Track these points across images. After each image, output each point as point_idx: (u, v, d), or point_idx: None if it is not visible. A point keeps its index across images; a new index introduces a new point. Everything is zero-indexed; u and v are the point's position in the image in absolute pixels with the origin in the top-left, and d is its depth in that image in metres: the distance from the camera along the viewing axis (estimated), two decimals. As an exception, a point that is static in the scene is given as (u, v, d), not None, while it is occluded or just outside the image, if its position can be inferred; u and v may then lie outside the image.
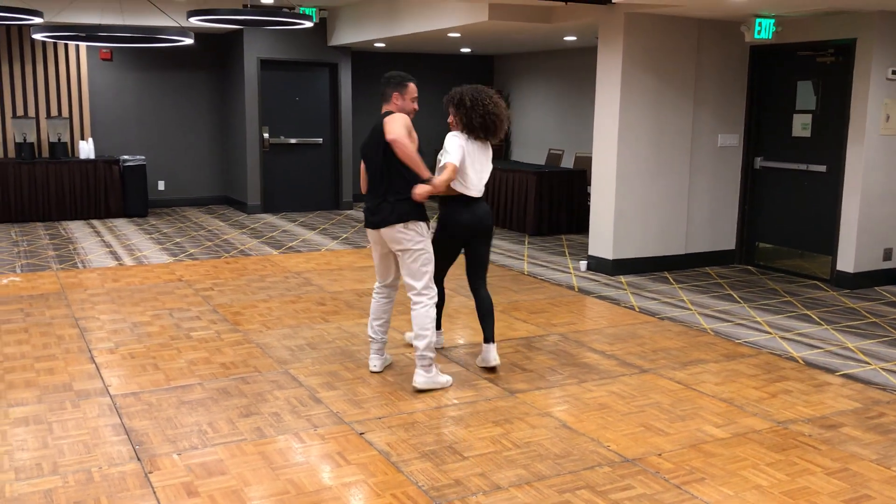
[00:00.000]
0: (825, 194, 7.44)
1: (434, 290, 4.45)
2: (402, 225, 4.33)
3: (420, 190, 4.29)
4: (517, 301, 6.55)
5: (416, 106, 4.55)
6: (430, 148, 13.00)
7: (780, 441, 3.85)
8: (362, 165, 4.59)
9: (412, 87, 4.51)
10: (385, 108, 4.50)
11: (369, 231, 4.50)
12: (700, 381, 4.68)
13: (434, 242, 4.58)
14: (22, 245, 8.80)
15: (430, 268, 4.44)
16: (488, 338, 4.75)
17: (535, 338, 5.53)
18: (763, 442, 3.84)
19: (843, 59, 7.19)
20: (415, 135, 4.42)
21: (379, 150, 4.36)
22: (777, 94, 7.88)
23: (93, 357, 4.97)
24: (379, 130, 4.35)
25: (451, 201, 4.70)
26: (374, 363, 4.76)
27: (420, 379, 4.42)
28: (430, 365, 4.44)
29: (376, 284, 4.68)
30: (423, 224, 4.40)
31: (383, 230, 4.38)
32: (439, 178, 4.43)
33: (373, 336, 4.71)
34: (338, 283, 7.07)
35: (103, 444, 3.70)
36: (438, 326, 5.09)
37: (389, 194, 4.36)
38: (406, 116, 4.40)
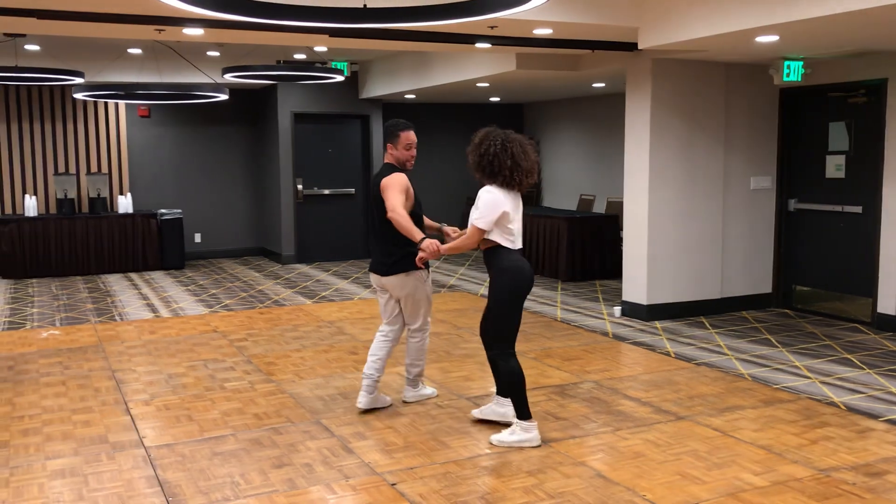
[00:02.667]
0: (862, 235, 7.33)
1: (429, 327, 4.87)
2: (404, 274, 4.64)
3: (426, 254, 4.24)
4: (550, 348, 6.51)
5: (412, 153, 4.63)
6: (462, 196, 13.10)
7: (822, 489, 3.75)
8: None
9: (405, 135, 4.61)
10: (385, 159, 4.72)
11: (373, 275, 4.78)
12: (738, 428, 4.58)
13: (505, 301, 4.25)
14: (62, 299, 8.97)
15: (428, 308, 4.80)
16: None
17: (568, 385, 5.47)
18: (804, 490, 3.74)
19: (875, 100, 7.15)
20: (411, 192, 4.58)
21: (376, 205, 4.62)
22: (809, 136, 7.83)
23: (128, 409, 5.02)
24: (377, 186, 4.58)
25: (505, 252, 4.26)
26: (361, 400, 4.83)
27: (409, 394, 5.04)
28: (418, 382, 5.04)
29: (381, 326, 4.92)
30: (423, 272, 4.67)
31: (390, 278, 4.66)
32: (451, 244, 4.31)
33: (366, 372, 4.81)
34: (370, 332, 7.08)
35: (137, 496, 3.72)
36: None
37: (392, 244, 4.61)
38: (402, 176, 4.55)
